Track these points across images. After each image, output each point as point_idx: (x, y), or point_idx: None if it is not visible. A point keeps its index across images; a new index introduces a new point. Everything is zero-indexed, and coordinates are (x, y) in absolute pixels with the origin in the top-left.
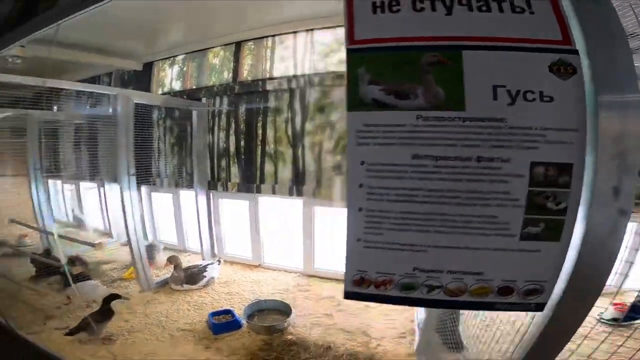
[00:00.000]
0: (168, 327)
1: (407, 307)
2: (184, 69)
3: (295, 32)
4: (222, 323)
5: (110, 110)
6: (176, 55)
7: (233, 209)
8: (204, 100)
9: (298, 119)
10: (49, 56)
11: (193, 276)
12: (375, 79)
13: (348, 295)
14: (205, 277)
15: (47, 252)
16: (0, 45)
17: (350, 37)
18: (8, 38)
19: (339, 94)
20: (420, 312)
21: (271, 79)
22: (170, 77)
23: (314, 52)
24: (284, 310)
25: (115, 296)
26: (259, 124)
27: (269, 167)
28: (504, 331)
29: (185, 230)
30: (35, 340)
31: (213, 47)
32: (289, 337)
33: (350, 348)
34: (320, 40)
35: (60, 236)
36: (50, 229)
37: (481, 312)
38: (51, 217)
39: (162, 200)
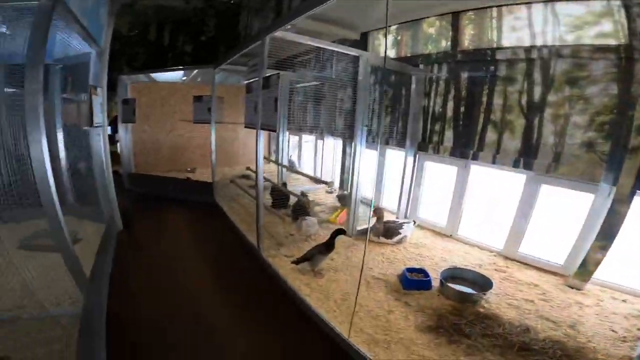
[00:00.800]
0: (364, 273)
1: (633, 314)
2: (399, 37)
3: (529, 3)
4: (415, 280)
5: (333, 74)
6: (390, 26)
7: (438, 173)
8: (421, 66)
9: (537, 90)
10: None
11: (390, 231)
12: None
13: None
14: (400, 234)
15: (284, 186)
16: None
17: None
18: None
19: (599, 67)
20: None
21: (501, 48)
22: (385, 46)
23: (558, 23)
24: (481, 283)
25: (341, 231)
26: (484, 92)
27: (491, 135)
28: None
29: (384, 186)
30: (273, 263)
31: (427, 17)
32: (481, 310)
33: (553, 336)
34: (564, 12)
35: (300, 173)
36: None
37: None
38: (287, 159)
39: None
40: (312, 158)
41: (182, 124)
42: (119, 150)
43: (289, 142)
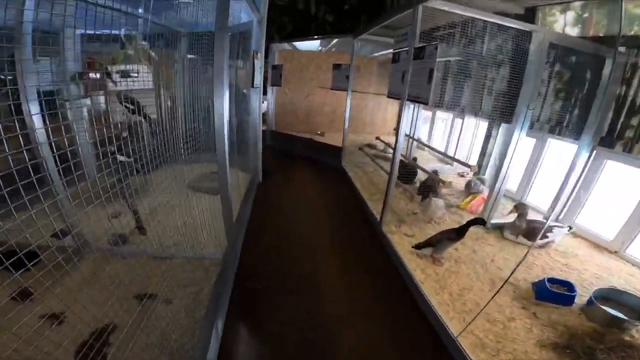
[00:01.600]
0: (490, 271)
1: None
2: (584, 15)
3: None
4: (555, 292)
5: (484, 50)
6: (569, 2)
7: (620, 175)
8: (621, 49)
9: None
10: None
11: (534, 232)
12: None
13: None
14: (547, 238)
15: (414, 160)
16: None
17: None
18: None
19: None
20: None
21: None
22: (562, 23)
23: None
24: None
25: (481, 221)
26: None
27: None
28: None
29: (533, 180)
30: (391, 239)
31: None
32: (628, 338)
33: None
34: None
35: (436, 151)
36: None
37: None
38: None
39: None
40: (445, 137)
41: (316, 90)
42: (264, 110)
43: (418, 117)
